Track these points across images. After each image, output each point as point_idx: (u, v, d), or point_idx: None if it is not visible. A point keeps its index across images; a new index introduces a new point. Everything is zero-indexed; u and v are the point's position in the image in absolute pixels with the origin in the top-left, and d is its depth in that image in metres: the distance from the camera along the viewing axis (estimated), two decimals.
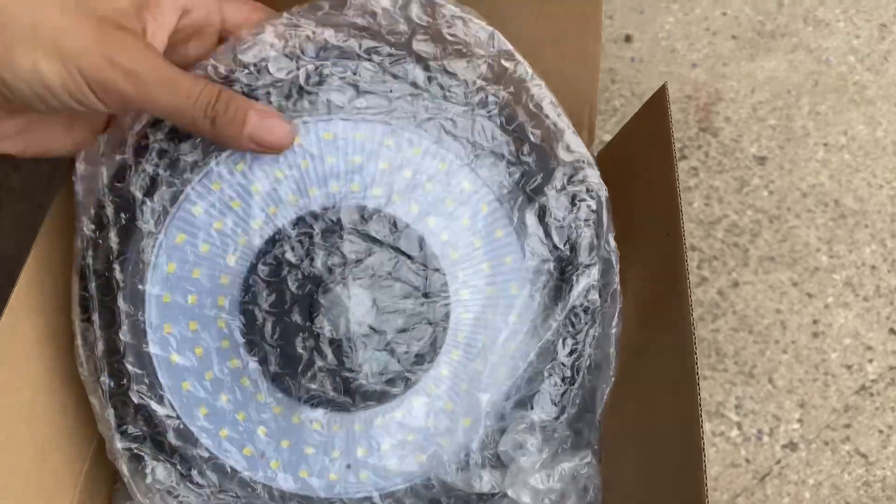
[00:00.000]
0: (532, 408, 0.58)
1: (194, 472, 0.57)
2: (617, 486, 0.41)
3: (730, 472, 0.97)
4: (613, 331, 0.58)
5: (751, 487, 0.96)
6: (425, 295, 0.55)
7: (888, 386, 1.00)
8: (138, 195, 0.53)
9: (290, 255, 0.53)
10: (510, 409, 0.59)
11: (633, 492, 0.40)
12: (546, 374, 0.58)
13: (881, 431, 0.97)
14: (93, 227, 0.53)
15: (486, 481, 0.57)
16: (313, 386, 0.54)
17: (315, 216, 0.54)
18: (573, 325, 0.58)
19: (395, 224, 0.54)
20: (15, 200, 1.02)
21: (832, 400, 1.00)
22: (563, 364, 0.58)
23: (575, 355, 0.58)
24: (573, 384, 0.58)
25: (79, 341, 0.54)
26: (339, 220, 0.53)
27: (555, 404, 0.59)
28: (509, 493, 0.57)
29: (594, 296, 0.58)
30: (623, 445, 0.42)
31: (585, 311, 0.57)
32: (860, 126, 1.20)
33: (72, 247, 0.54)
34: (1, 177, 1.03)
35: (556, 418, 0.58)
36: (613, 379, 0.58)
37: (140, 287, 0.54)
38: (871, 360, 1.02)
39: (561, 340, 0.57)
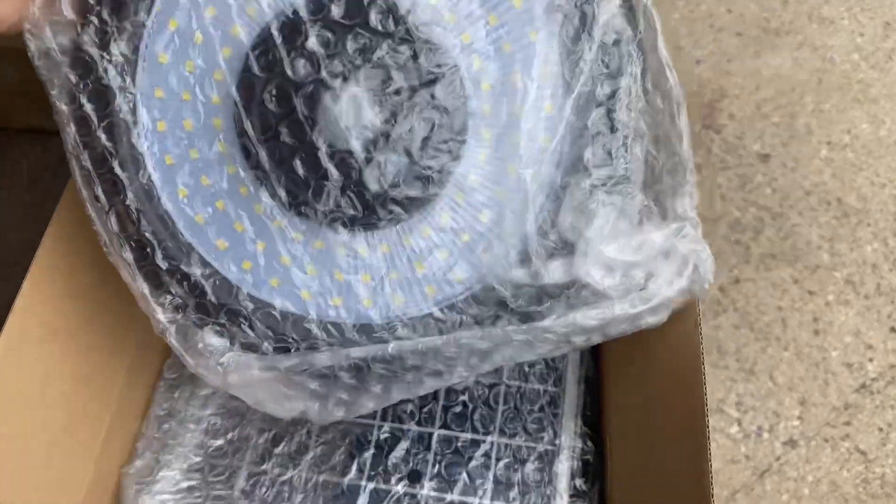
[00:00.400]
0: (586, 169, 0.49)
1: (244, 327, 0.52)
2: (621, 476, 0.41)
3: (729, 467, 0.97)
4: (662, 55, 0.47)
5: (750, 483, 0.96)
6: (429, 77, 0.46)
7: (888, 384, 1.00)
8: (95, 52, 0.49)
9: (279, 62, 0.47)
10: (561, 180, 0.49)
11: (639, 483, 0.40)
12: (591, 128, 0.48)
13: (881, 429, 0.98)
14: (66, 101, 0.50)
15: (553, 269, 0.48)
16: (331, 206, 0.49)
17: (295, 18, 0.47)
18: (607, 66, 0.48)
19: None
20: (23, 190, 1.02)
21: (832, 398, 1.00)
22: (611, 111, 0.48)
23: (618, 99, 0.48)
24: (628, 134, 0.49)
25: (98, 227, 0.52)
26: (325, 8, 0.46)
27: (612, 156, 0.49)
28: (581, 274, 0.47)
29: (621, 23, 0.48)
30: (628, 437, 0.42)
31: (616, 43, 0.48)
32: (864, 125, 1.20)
33: (83, 234, 0.54)
34: (10, 165, 1.03)
35: (622, 177, 0.49)
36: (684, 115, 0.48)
37: (133, 148, 0.51)
38: (871, 359, 1.02)
39: (599, 84, 0.48)
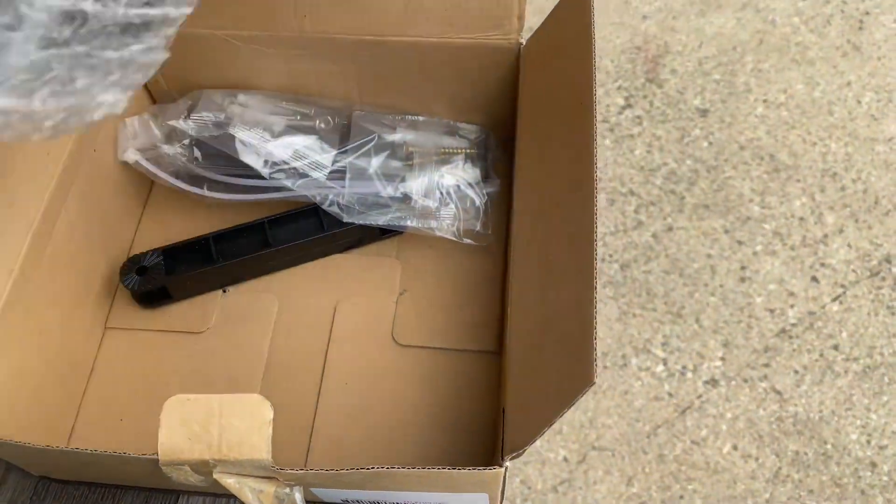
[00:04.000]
0: None
1: None
2: (518, 329, 0.42)
3: (652, 404, 1.01)
4: None
5: (671, 420, 1.00)
6: None
7: (806, 330, 1.04)
8: None
9: None
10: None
11: (531, 335, 0.40)
12: None
13: (797, 371, 1.01)
14: None
15: None
16: None
17: None
18: None
19: None
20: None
21: (754, 341, 1.04)
22: None
23: None
24: None
25: None
26: None
27: None
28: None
29: None
30: (526, 292, 0.43)
31: None
32: (799, 85, 1.23)
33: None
34: None
35: None
36: None
37: None
38: (792, 306, 1.06)
39: None
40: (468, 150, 0.55)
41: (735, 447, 0.97)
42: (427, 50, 0.52)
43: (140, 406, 0.49)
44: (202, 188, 0.53)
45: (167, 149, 0.53)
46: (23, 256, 0.44)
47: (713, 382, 1.02)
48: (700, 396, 1.01)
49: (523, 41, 0.51)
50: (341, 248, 0.55)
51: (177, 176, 0.54)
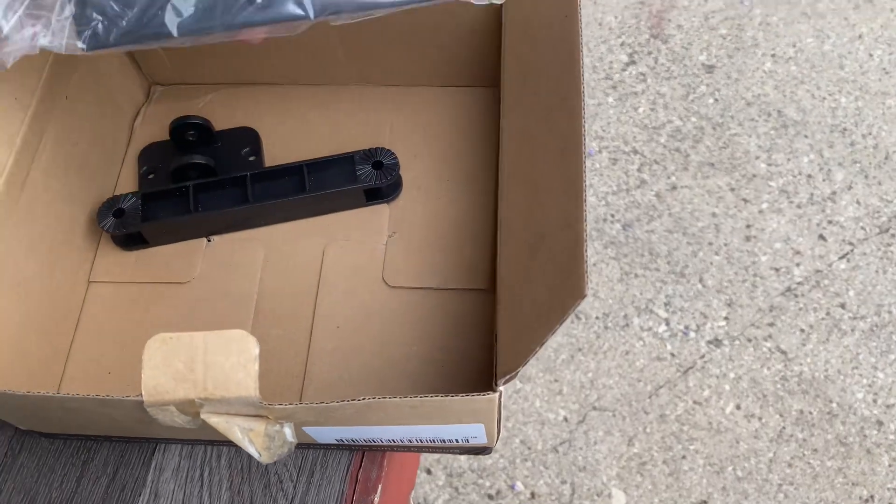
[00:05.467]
0: None
1: None
2: (508, 254, 0.40)
3: (654, 364, 0.99)
4: None
5: (673, 379, 0.98)
6: None
7: (812, 288, 1.02)
8: None
9: None
10: None
11: (521, 256, 0.39)
12: None
13: (802, 330, 1.00)
14: None
15: None
16: None
17: None
18: None
19: None
20: None
21: (759, 300, 1.02)
22: None
23: None
24: None
25: None
26: None
27: None
28: None
29: None
30: (514, 216, 0.41)
31: None
32: (809, 39, 1.20)
33: None
34: None
35: None
36: None
37: None
38: (798, 264, 1.04)
39: None
40: None
41: (738, 407, 0.96)
42: (408, 13, 0.50)
43: (127, 358, 0.48)
44: None
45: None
46: None
47: (716, 342, 1.00)
48: (703, 356, 0.99)
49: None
50: (325, 210, 0.52)
51: None
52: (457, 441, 0.40)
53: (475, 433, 0.38)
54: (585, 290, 0.29)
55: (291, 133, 0.56)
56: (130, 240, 0.51)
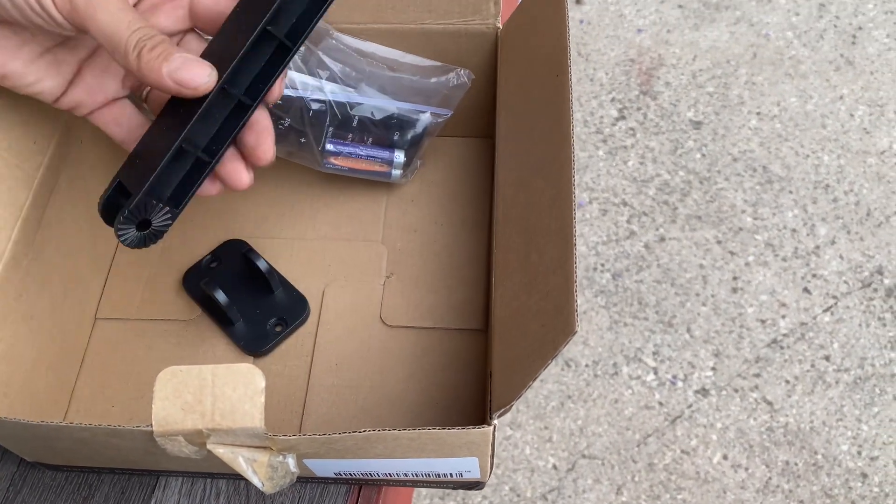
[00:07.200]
0: None
1: None
2: (503, 295, 0.43)
3: (643, 413, 1.00)
4: None
5: (662, 428, 0.99)
6: None
7: (798, 340, 1.04)
8: None
9: None
10: None
11: (515, 298, 0.41)
12: None
13: (787, 382, 1.01)
14: None
15: None
16: None
17: None
18: None
19: None
20: None
21: (745, 351, 1.04)
22: None
23: None
24: None
25: None
26: None
27: None
28: None
29: None
30: (509, 260, 0.43)
31: None
32: (792, 98, 1.24)
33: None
34: None
35: None
36: None
37: None
38: (784, 316, 1.06)
39: None
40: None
41: (725, 457, 0.97)
42: (406, 36, 0.52)
43: (131, 392, 0.49)
44: None
45: None
46: (13, 242, 0.44)
47: (704, 392, 1.02)
48: (690, 406, 1.01)
49: (500, 26, 0.52)
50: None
51: None
52: (451, 475, 0.41)
53: (469, 467, 0.39)
54: (576, 326, 0.31)
55: None
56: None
